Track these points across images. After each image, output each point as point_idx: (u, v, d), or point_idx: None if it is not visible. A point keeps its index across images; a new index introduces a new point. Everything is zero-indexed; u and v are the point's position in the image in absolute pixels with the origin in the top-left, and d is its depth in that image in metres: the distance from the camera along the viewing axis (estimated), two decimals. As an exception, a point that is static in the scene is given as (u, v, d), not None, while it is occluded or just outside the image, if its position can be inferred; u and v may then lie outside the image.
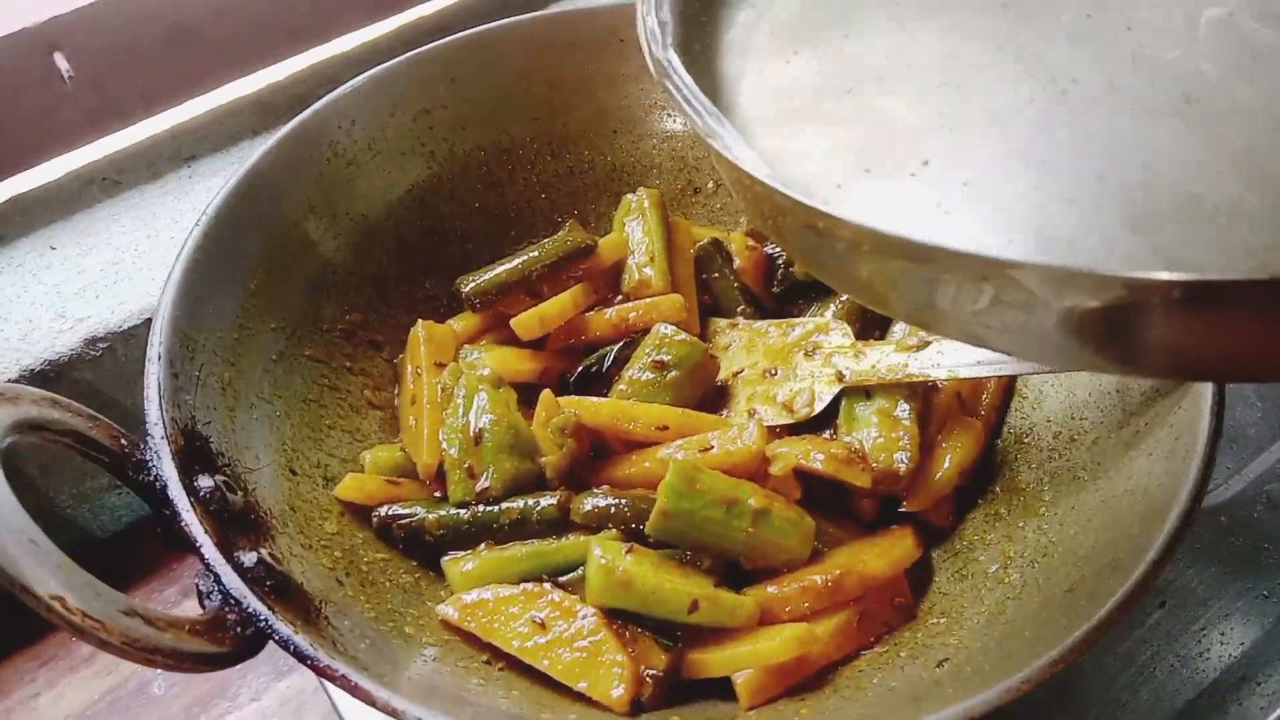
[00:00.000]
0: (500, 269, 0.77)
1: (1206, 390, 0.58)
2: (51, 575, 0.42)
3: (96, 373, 0.88)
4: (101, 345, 0.91)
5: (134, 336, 0.92)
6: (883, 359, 0.70)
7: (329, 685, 0.73)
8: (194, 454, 0.57)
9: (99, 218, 1.02)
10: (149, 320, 0.88)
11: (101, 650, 0.43)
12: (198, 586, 0.51)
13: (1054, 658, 0.48)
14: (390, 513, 0.66)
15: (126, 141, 1.05)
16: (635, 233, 0.81)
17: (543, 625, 0.59)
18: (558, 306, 0.75)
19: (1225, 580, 0.76)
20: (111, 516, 0.98)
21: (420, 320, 0.77)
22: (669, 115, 0.90)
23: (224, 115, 1.10)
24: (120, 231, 1.00)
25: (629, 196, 0.83)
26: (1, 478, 0.43)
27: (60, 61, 0.96)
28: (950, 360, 0.66)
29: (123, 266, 0.96)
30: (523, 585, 0.62)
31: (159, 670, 0.88)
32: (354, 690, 0.46)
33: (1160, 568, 0.51)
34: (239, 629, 0.48)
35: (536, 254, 0.78)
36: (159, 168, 1.06)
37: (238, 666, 0.88)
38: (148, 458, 0.54)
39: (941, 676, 0.56)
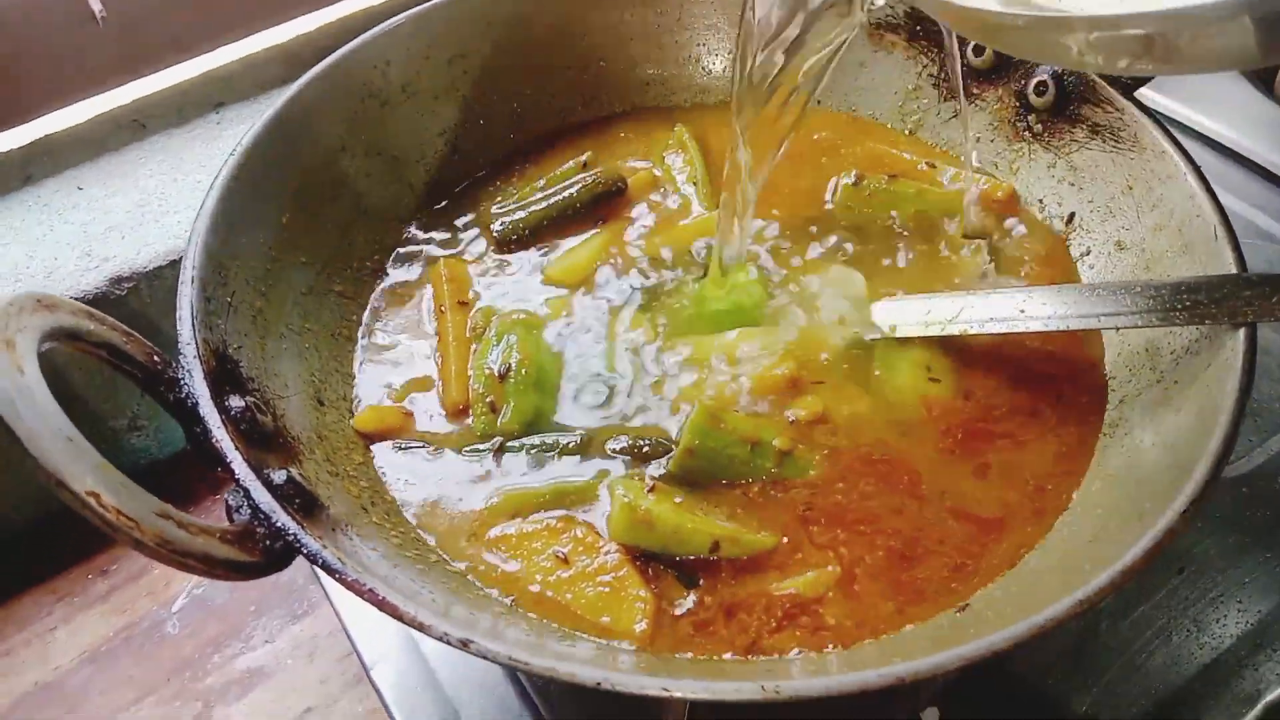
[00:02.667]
0: (532, 209, 0.78)
1: (1238, 349, 0.58)
2: (88, 473, 0.42)
3: (121, 312, 0.88)
4: (126, 285, 0.91)
5: (159, 277, 0.92)
6: (932, 308, 0.70)
7: (349, 625, 0.74)
8: (225, 376, 0.57)
9: (126, 160, 1.02)
10: (174, 262, 0.90)
11: (134, 550, 0.43)
12: (227, 502, 0.51)
13: (1079, 599, 0.48)
14: (409, 445, 0.67)
15: (156, 86, 1.05)
16: (675, 162, 0.82)
17: (565, 560, 0.59)
18: (589, 252, 0.76)
19: (1244, 550, 0.76)
20: (129, 458, 0.99)
21: (442, 259, 0.77)
22: (703, 69, 0.90)
23: (253, 64, 1.10)
24: (147, 175, 1.01)
25: (676, 129, 0.85)
26: (40, 379, 0.43)
27: (93, 2, 0.96)
28: (996, 311, 0.66)
29: (149, 208, 0.97)
30: (545, 520, 0.61)
31: (176, 605, 0.90)
32: (381, 604, 0.47)
33: (1187, 520, 0.51)
34: (267, 542, 0.48)
35: (570, 194, 0.78)
36: (187, 113, 1.07)
37: (251, 608, 0.90)
38: (180, 376, 0.54)
39: (962, 620, 0.56)
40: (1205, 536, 0.77)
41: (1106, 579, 0.49)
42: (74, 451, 0.42)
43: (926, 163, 0.84)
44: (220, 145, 1.03)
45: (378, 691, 0.72)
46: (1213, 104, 1.06)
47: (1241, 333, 0.59)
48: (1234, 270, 0.63)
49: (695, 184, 0.82)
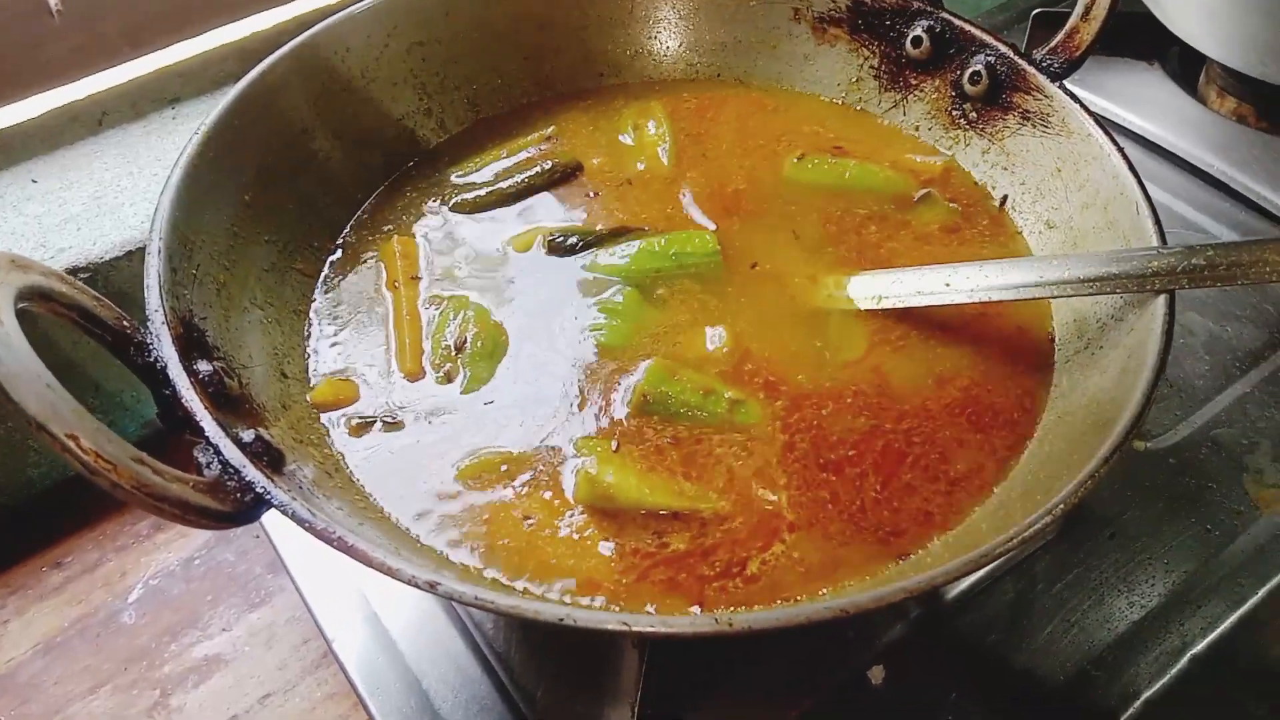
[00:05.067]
0: (489, 189, 0.82)
1: (1159, 314, 0.62)
2: (67, 415, 0.43)
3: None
4: (82, 276, 0.92)
5: (115, 268, 0.93)
6: (918, 279, 0.73)
7: (311, 600, 0.75)
8: (192, 342, 0.59)
9: (81, 154, 1.03)
10: (130, 253, 0.90)
11: (111, 492, 0.44)
12: (196, 458, 0.52)
13: (1008, 538, 0.51)
14: (365, 416, 0.68)
15: (112, 81, 1.06)
16: (650, 127, 0.87)
17: (531, 522, 0.62)
18: (544, 226, 0.81)
19: (1172, 515, 0.80)
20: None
21: (395, 236, 0.79)
22: (654, 62, 0.94)
23: (209, 61, 1.11)
24: (103, 167, 1.01)
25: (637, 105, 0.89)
26: (18, 330, 0.45)
27: (49, -5, 0.96)
28: (987, 282, 0.70)
29: (105, 200, 0.97)
30: (509, 485, 0.64)
31: (132, 596, 0.91)
32: (350, 550, 0.48)
33: (1108, 463, 0.54)
34: (238, 495, 0.50)
35: (525, 179, 0.81)
36: (143, 108, 1.07)
37: (208, 598, 0.91)
38: (148, 340, 0.56)
39: (902, 567, 0.59)
40: (1134, 504, 0.81)
41: (1034, 520, 0.52)
42: (53, 397, 0.43)
43: (872, 145, 0.89)
44: (175, 140, 1.04)
45: (341, 666, 0.74)
46: (1139, 102, 1.12)
47: (1161, 299, 0.63)
48: (1155, 243, 0.67)
49: (663, 155, 0.86)
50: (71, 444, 0.43)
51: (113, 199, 0.98)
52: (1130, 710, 0.71)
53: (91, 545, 0.94)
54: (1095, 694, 0.71)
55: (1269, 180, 1.04)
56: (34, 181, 1.00)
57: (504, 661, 0.71)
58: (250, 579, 0.92)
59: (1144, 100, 1.13)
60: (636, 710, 0.64)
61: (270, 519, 0.78)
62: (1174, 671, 0.72)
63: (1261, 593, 0.76)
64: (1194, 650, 0.73)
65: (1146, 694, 0.71)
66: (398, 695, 0.71)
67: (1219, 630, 0.74)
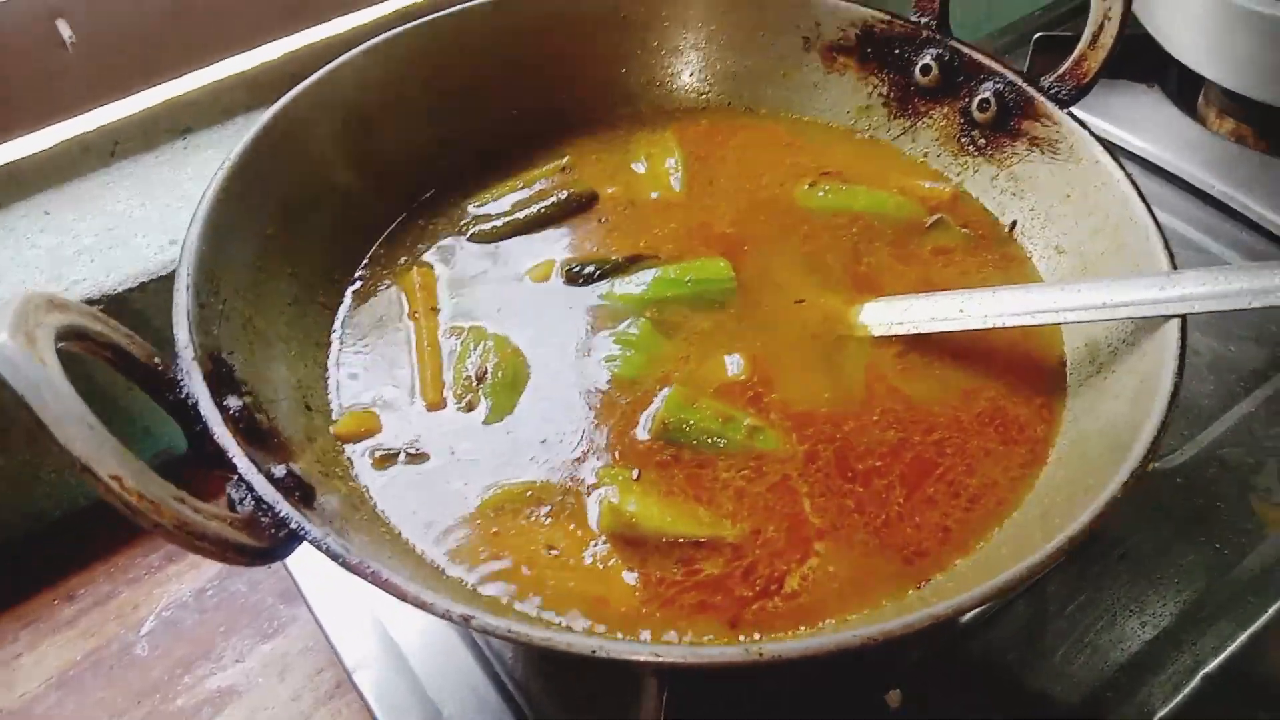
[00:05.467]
0: (506, 219, 0.83)
1: (1172, 338, 0.63)
2: (110, 457, 0.44)
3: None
4: (97, 307, 0.92)
5: (128, 300, 0.93)
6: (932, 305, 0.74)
7: (330, 631, 0.75)
8: (220, 378, 0.59)
9: (94, 185, 1.03)
10: (144, 284, 0.91)
11: (151, 531, 0.45)
12: (229, 495, 0.53)
13: (1032, 563, 0.52)
14: (389, 448, 0.69)
15: (123, 112, 1.07)
16: (662, 156, 0.89)
17: (556, 553, 0.62)
18: (561, 256, 0.83)
19: (1181, 535, 0.81)
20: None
21: (415, 268, 0.80)
22: (666, 91, 0.95)
23: (219, 90, 1.11)
24: (115, 200, 1.01)
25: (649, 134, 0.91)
26: (60, 371, 0.45)
27: (63, 28, 0.97)
28: (1000, 308, 0.71)
29: (118, 232, 0.97)
30: (532, 516, 0.64)
31: (145, 628, 0.91)
32: (384, 585, 0.49)
33: (1127, 488, 0.55)
34: (273, 530, 0.51)
35: (541, 210, 0.83)
36: (154, 139, 1.08)
37: (221, 629, 0.91)
38: (179, 377, 0.56)
39: (923, 594, 0.60)
40: (1144, 524, 0.82)
41: (1055, 546, 0.52)
42: (97, 438, 0.44)
43: (882, 172, 0.90)
44: (188, 170, 1.05)
45: (360, 695, 0.74)
46: (1139, 125, 1.13)
47: (1174, 324, 0.64)
48: (1166, 268, 0.68)
49: (675, 183, 0.87)
50: (115, 485, 0.44)
51: (125, 230, 0.98)
52: (1147, 732, 0.71)
53: (103, 577, 0.94)
54: (1110, 714, 0.72)
55: (1269, 200, 1.05)
56: (46, 214, 1.01)
57: (524, 690, 0.72)
58: (263, 609, 0.92)
59: (1143, 122, 1.14)
60: (658, 738, 0.65)
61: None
62: (1187, 691, 0.73)
63: (1271, 611, 0.77)
64: (1206, 669, 0.74)
65: (1161, 713, 0.72)
66: (419, 725, 0.72)
67: (1230, 649, 0.75)
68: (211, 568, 0.94)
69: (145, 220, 0.99)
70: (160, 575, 0.95)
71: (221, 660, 0.88)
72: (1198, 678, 0.74)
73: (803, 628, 0.60)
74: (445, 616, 0.49)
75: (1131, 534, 0.81)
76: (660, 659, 0.48)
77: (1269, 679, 0.75)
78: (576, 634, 0.49)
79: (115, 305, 0.92)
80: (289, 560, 0.77)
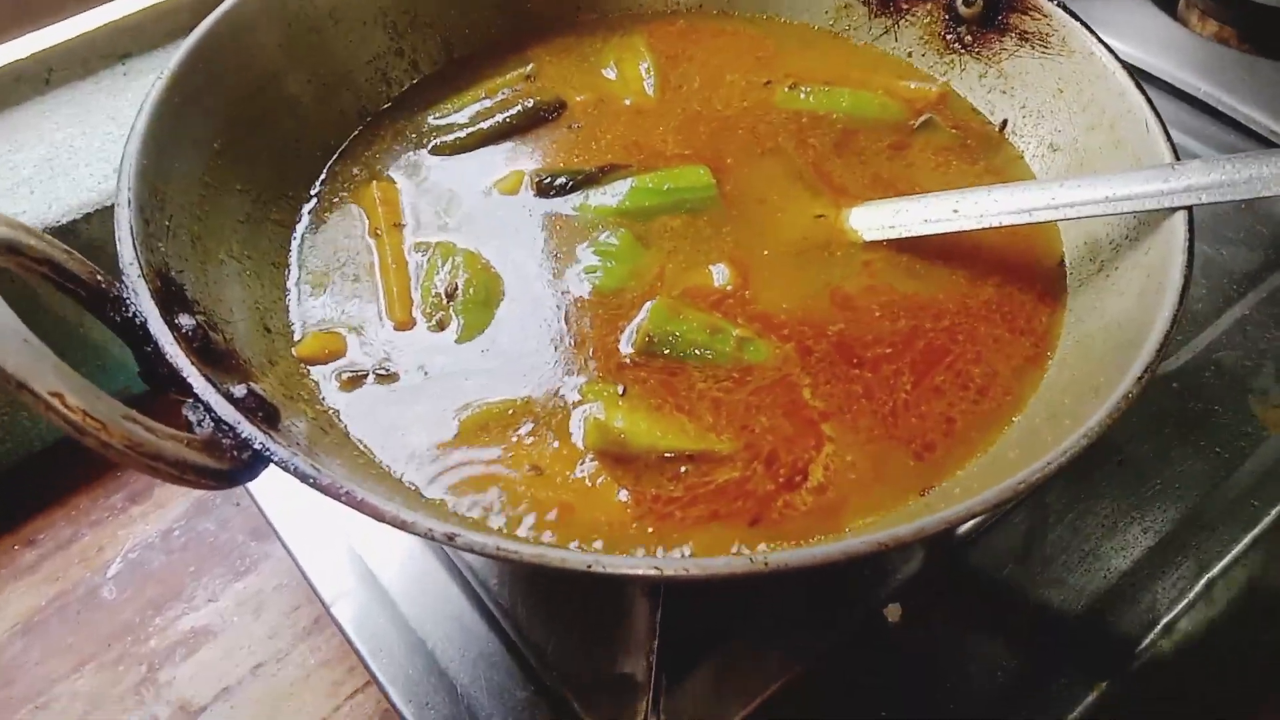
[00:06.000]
0: (469, 130, 0.79)
1: (1179, 230, 0.61)
2: (49, 372, 0.40)
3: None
4: (41, 240, 0.87)
5: (71, 232, 0.89)
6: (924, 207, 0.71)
7: (305, 564, 0.72)
8: (170, 296, 0.55)
9: (30, 114, 0.98)
10: (87, 215, 0.87)
11: (102, 453, 0.41)
12: (186, 416, 0.49)
13: (1047, 461, 0.49)
14: (357, 369, 0.66)
15: (59, 37, 1.01)
16: (633, 61, 0.85)
17: (540, 471, 0.59)
18: (528, 166, 0.78)
19: (1180, 439, 0.79)
20: (50, 426, 0.93)
21: (375, 182, 0.76)
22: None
23: (160, 14, 1.06)
24: (54, 128, 0.97)
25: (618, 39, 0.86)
26: (-11, 282, 0.41)
27: (-13, -56, 0.91)
28: (997, 207, 0.68)
29: (58, 162, 0.93)
30: (515, 435, 0.61)
31: (111, 571, 0.87)
32: (359, 505, 0.46)
33: (1142, 385, 0.52)
34: (234, 452, 0.47)
35: (506, 119, 0.78)
36: (93, 65, 1.03)
37: (191, 569, 0.88)
38: (125, 295, 0.52)
39: (928, 501, 0.57)
40: (1141, 431, 0.80)
41: (1074, 442, 0.50)
42: (33, 352, 0.40)
43: (864, 73, 0.86)
44: (128, 97, 1.00)
45: (340, 629, 0.71)
46: (1121, 29, 1.10)
47: (1180, 216, 0.61)
48: (1168, 160, 0.65)
49: (648, 89, 0.83)
50: (56, 402, 0.40)
51: (66, 160, 0.94)
52: (1150, 636, 0.70)
53: (64, 521, 0.91)
54: (1114, 622, 0.71)
55: (1254, 101, 1.03)
56: (-18, 144, 0.95)
57: (510, 617, 0.69)
58: (233, 548, 0.89)
59: (1125, 26, 1.11)
60: (655, 660, 0.62)
61: (255, 483, 0.75)
62: (1192, 595, 0.72)
63: (1274, 513, 0.75)
64: (1210, 573, 0.73)
65: (1165, 619, 0.71)
66: (402, 657, 0.69)
67: (1234, 551, 0.73)
68: (177, 507, 0.91)
69: (86, 150, 0.94)
70: (124, 517, 0.91)
71: (193, 600, 0.86)
72: (1202, 582, 0.72)
73: (818, 537, 0.57)
74: (428, 536, 0.45)
75: (1129, 441, 0.79)
76: (661, 572, 0.45)
77: (1275, 581, 0.74)
78: (570, 550, 0.46)
79: (59, 238, 0.87)
80: (259, 495, 0.74)
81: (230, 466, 0.46)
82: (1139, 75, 1.04)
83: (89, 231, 0.89)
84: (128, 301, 0.52)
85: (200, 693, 0.79)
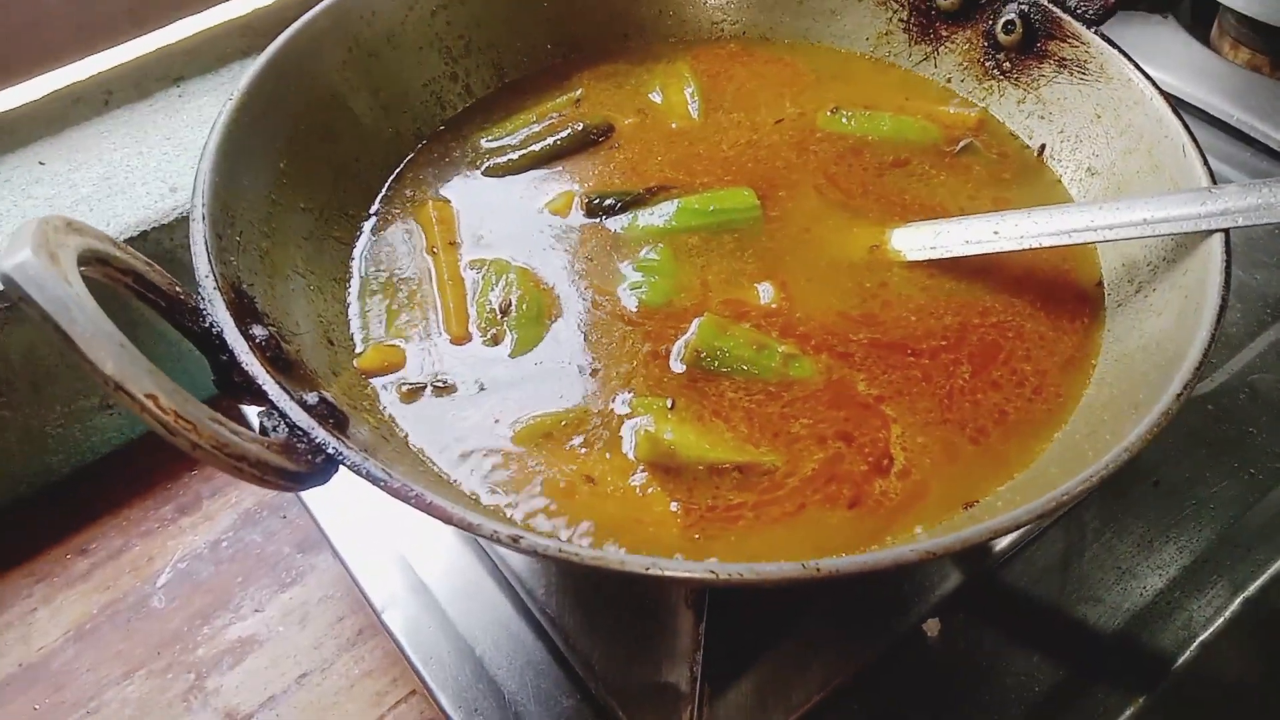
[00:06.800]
0: (520, 152, 0.81)
1: (1215, 252, 0.62)
2: (145, 375, 0.42)
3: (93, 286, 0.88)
4: (100, 256, 0.90)
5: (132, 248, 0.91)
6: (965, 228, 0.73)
7: (355, 572, 0.74)
8: (243, 308, 0.58)
9: (89, 135, 1.01)
10: (145, 233, 0.89)
11: (190, 452, 0.43)
12: (261, 423, 0.51)
13: (1090, 474, 0.50)
14: (415, 382, 0.68)
15: (116, 60, 1.04)
16: (679, 87, 0.87)
17: (593, 481, 0.61)
18: (580, 187, 0.81)
19: (1214, 461, 0.80)
20: (102, 437, 0.97)
21: (430, 201, 0.78)
22: (679, 21, 0.93)
23: (213, 38, 1.09)
24: (111, 148, 1.00)
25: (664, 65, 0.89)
26: (86, 291, 0.43)
27: (48, -26, 0.94)
28: (1037, 229, 0.69)
29: (115, 181, 0.96)
30: (568, 446, 0.63)
31: (161, 580, 0.89)
32: (428, 508, 0.47)
33: (1181, 402, 0.54)
34: (309, 456, 0.49)
35: (556, 142, 0.81)
36: (147, 87, 1.06)
37: (238, 579, 0.90)
38: (201, 306, 0.54)
39: (973, 514, 0.59)
40: (1176, 453, 0.81)
41: (1115, 456, 0.51)
42: (129, 356, 0.42)
43: (904, 98, 0.88)
44: (183, 118, 1.03)
45: (392, 636, 0.73)
46: (1154, 56, 1.11)
47: (1217, 238, 0.62)
48: (1204, 184, 0.66)
49: (693, 112, 0.85)
50: (150, 404, 0.42)
51: (123, 179, 0.96)
52: (1186, 654, 0.71)
53: (115, 531, 0.93)
54: (1150, 639, 0.71)
55: (1286, 128, 1.04)
56: (41, 164, 0.98)
57: (558, 626, 0.71)
58: (280, 559, 0.91)
59: (1158, 53, 1.13)
60: (699, 671, 0.63)
61: (308, 493, 0.77)
62: (1227, 615, 0.72)
63: (1309, 534, 0.76)
64: (1246, 593, 0.73)
65: (1201, 637, 0.71)
66: (452, 664, 0.71)
67: (1269, 572, 0.74)
68: (225, 519, 0.93)
69: (143, 169, 0.97)
70: (173, 528, 0.93)
71: (240, 610, 0.88)
72: (1237, 601, 0.73)
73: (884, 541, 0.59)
74: (493, 538, 0.47)
75: (1164, 462, 0.80)
76: (716, 576, 0.46)
77: (1307, 602, 0.74)
78: (628, 554, 0.48)
79: (118, 254, 0.90)
80: (312, 505, 0.76)
81: (305, 469, 0.48)
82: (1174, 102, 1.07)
83: (146, 248, 0.91)
84: (204, 312, 0.54)
85: (246, 701, 0.81)
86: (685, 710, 0.65)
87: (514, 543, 0.47)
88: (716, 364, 0.66)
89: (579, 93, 0.87)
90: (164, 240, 0.92)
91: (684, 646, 0.65)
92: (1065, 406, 0.65)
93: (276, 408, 0.51)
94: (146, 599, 0.89)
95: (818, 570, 0.47)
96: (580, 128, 0.83)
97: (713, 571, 0.47)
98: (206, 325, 0.54)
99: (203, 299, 0.55)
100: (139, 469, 0.98)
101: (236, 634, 0.86)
